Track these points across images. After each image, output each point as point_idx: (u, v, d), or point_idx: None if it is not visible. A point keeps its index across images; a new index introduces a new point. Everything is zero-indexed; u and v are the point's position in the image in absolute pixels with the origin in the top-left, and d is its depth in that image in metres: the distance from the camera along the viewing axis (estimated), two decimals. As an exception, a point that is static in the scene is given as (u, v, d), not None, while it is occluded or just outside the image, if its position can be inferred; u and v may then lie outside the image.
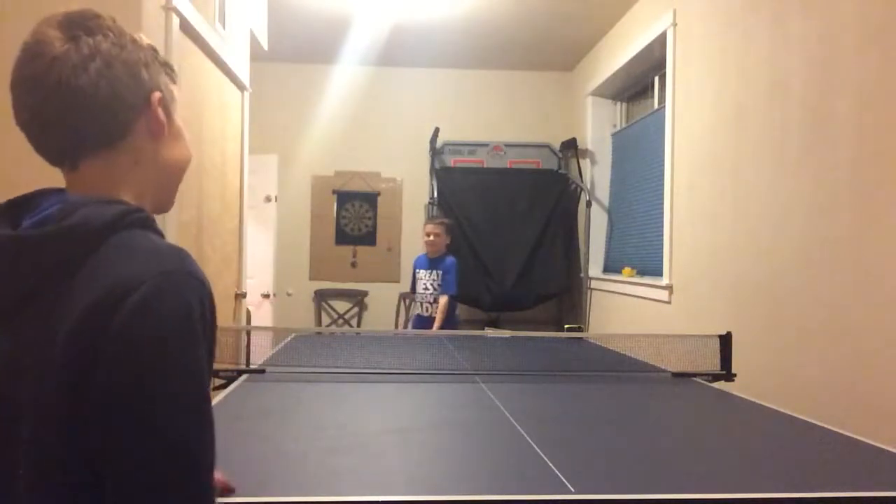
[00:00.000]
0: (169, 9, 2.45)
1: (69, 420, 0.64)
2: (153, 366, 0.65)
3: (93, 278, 0.67)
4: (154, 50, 0.83)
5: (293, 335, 3.13)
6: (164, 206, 0.86)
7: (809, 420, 1.67)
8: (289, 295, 5.67)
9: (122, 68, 0.77)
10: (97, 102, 0.75)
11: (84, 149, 0.77)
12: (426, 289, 4.08)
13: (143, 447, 0.64)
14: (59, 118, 0.74)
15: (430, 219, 4.34)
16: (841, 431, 1.56)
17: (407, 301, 5.51)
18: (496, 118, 5.74)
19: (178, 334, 0.66)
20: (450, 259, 4.10)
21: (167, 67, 0.84)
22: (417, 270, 4.18)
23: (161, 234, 0.77)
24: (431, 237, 4.09)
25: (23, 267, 0.69)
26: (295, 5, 4.35)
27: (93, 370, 0.64)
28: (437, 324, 3.95)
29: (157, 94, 0.80)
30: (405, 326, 4.29)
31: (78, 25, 0.75)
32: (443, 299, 3.99)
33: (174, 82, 0.85)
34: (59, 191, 0.78)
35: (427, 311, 4.06)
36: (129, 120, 0.78)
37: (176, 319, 0.66)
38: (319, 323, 5.64)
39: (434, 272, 4.06)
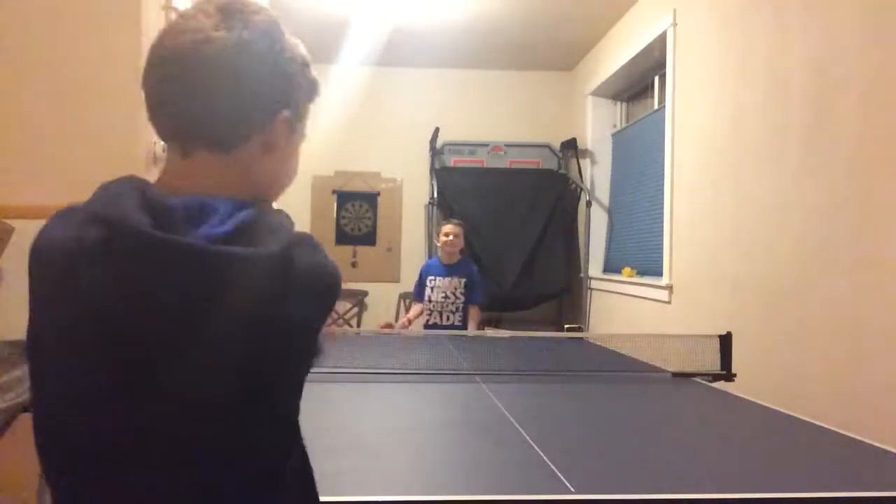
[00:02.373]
0: (169, 9, 2.45)
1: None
2: None
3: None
4: (305, 63, 0.79)
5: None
6: None
7: (809, 420, 1.67)
8: (289, 295, 5.66)
9: (265, 76, 0.73)
10: (225, 101, 0.71)
11: (197, 143, 0.73)
12: (446, 297, 3.74)
13: None
14: (180, 99, 0.71)
15: (447, 219, 3.98)
16: (841, 431, 1.56)
17: (407, 301, 5.51)
18: (496, 118, 5.74)
19: None
20: (472, 266, 3.88)
21: (312, 84, 0.81)
22: (431, 278, 3.80)
23: None
24: (451, 237, 3.77)
25: (254, 283, 0.66)
26: (295, 5, 4.35)
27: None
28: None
29: (284, 114, 0.76)
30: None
31: (239, 14, 0.71)
32: (475, 310, 3.79)
33: (312, 101, 0.82)
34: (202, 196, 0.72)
35: (448, 320, 3.74)
36: (251, 130, 0.74)
37: None
38: (319, 323, 5.63)
39: (454, 279, 3.75)
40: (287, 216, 0.74)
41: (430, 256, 5.33)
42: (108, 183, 0.69)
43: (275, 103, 0.75)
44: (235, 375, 0.68)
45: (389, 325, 3.82)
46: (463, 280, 3.78)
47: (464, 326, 3.75)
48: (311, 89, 0.82)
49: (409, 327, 3.89)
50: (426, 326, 3.81)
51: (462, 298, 3.77)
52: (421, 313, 3.87)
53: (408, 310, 5.45)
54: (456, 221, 3.92)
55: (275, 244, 0.68)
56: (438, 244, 3.88)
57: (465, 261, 3.90)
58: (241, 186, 0.74)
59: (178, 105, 0.71)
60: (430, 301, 3.80)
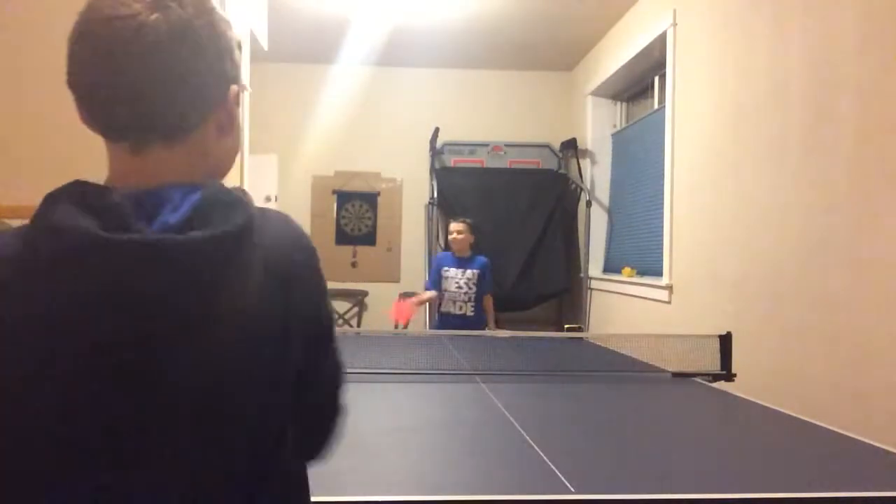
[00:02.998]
0: (169, 9, 2.45)
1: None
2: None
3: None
4: (230, 26, 0.75)
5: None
6: None
7: (809, 420, 1.67)
8: (289, 295, 5.66)
9: (211, 54, 0.69)
10: (177, 87, 0.67)
11: (153, 134, 0.68)
12: (459, 288, 4.03)
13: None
14: (130, 94, 0.66)
15: (454, 218, 4.32)
16: (841, 431, 1.56)
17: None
18: (496, 118, 5.74)
19: None
20: (482, 258, 4.14)
21: (239, 45, 0.78)
22: (445, 269, 4.10)
23: None
24: (455, 234, 4.07)
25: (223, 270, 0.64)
26: (295, 5, 4.35)
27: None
28: (491, 322, 4.09)
29: (234, 89, 0.74)
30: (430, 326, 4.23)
31: None
32: (489, 299, 4.10)
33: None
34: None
35: (461, 309, 4.03)
36: (205, 112, 0.71)
37: None
38: (319, 323, 5.63)
39: (468, 271, 4.05)
40: (244, 191, 0.70)
41: (429, 256, 5.34)
42: (51, 192, 0.65)
43: (225, 80, 0.72)
44: (218, 371, 0.66)
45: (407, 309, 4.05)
46: (476, 272, 4.04)
47: (476, 317, 4.02)
48: (241, 51, 0.79)
49: (418, 306, 4.12)
50: (440, 314, 4.09)
51: (475, 289, 4.02)
52: (431, 298, 4.13)
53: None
54: (461, 220, 4.18)
55: (233, 222, 0.64)
56: (449, 240, 4.17)
57: (475, 255, 4.15)
58: (199, 171, 0.72)
59: (132, 101, 0.66)
60: (445, 291, 4.07)
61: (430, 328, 4.29)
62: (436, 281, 4.13)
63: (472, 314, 4.01)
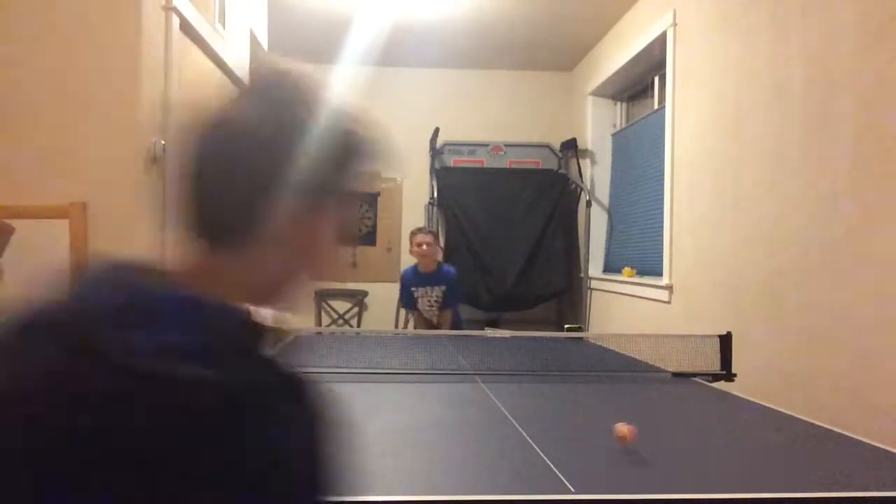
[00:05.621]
0: (169, 9, 2.45)
1: None
2: None
3: None
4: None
5: (293, 335, 3.12)
6: None
7: (809, 420, 1.67)
8: (289, 295, 5.67)
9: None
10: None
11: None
12: (431, 306, 3.88)
13: None
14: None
15: (418, 228, 3.95)
16: (841, 431, 1.56)
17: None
18: (496, 118, 5.74)
19: None
20: (447, 269, 3.89)
21: None
22: (414, 288, 3.85)
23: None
24: (424, 247, 3.73)
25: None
26: (295, 5, 4.35)
27: None
28: (444, 325, 3.94)
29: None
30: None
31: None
32: (448, 313, 3.90)
33: None
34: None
35: (435, 326, 3.99)
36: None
37: None
38: (319, 323, 5.63)
39: (435, 289, 3.82)
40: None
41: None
42: None
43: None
44: None
45: None
46: (443, 289, 3.85)
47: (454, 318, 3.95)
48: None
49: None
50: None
51: (443, 302, 3.87)
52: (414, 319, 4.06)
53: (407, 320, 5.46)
54: (428, 230, 3.92)
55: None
56: (410, 254, 3.86)
57: (442, 268, 3.91)
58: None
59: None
60: (415, 309, 3.94)
61: None
62: (410, 301, 3.93)
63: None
